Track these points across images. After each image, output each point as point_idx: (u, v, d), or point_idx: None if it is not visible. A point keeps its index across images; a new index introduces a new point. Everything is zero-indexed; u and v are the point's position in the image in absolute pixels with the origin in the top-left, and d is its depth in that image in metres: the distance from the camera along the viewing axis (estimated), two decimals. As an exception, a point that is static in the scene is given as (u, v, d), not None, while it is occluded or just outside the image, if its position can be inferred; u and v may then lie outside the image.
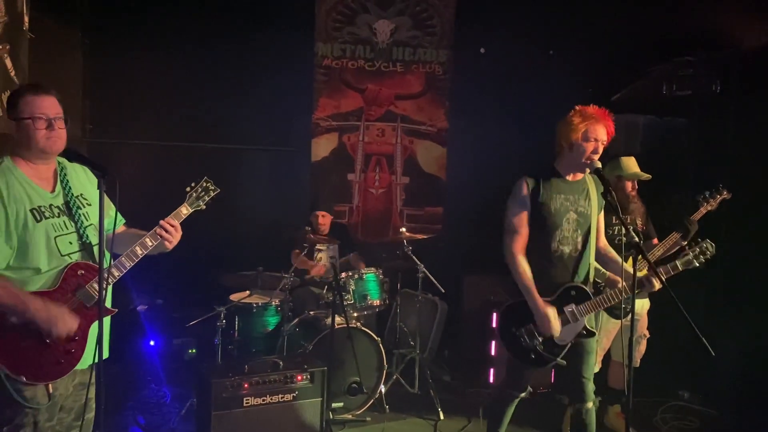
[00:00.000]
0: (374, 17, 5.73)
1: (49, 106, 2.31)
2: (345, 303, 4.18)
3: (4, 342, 2.20)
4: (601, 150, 3.01)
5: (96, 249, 2.42)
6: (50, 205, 2.36)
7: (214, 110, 5.57)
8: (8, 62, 4.43)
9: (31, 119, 2.28)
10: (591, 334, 3.10)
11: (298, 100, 5.77)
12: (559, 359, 3.06)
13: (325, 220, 4.96)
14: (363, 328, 4.21)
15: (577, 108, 3.09)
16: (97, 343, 2.15)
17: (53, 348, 2.26)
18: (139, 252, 2.44)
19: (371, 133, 5.89)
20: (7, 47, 4.38)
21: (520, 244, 3.06)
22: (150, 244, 2.46)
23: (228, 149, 5.68)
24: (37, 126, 2.28)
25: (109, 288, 2.44)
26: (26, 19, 4.65)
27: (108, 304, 2.45)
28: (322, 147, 5.88)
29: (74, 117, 5.34)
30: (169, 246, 2.50)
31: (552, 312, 3.01)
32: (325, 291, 4.42)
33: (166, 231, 2.47)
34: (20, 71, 4.56)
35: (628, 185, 4.08)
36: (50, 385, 2.29)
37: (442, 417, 4.28)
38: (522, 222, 3.06)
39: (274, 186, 5.83)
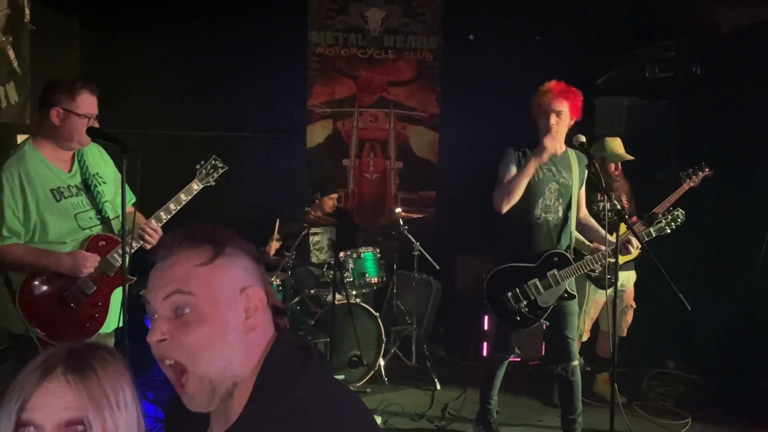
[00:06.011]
0: (366, 6, 5.86)
1: (96, 106, 2.50)
2: (344, 280, 4.35)
3: (35, 308, 2.38)
4: (558, 121, 3.19)
5: (114, 223, 2.59)
6: (68, 186, 2.52)
7: (209, 99, 5.68)
8: (11, 53, 4.54)
9: (87, 118, 2.43)
10: (571, 296, 3.31)
11: (292, 87, 5.89)
12: (542, 320, 3.27)
13: (334, 202, 5.16)
14: (362, 304, 4.38)
15: (543, 84, 3.32)
16: (121, 308, 2.33)
17: (79, 313, 2.44)
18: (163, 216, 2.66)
19: (365, 119, 6.04)
20: (10, 39, 4.50)
21: None
22: (164, 217, 2.64)
23: (224, 137, 5.79)
24: (89, 123, 2.44)
25: (127, 258, 2.60)
26: (27, 11, 4.76)
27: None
28: (317, 134, 6.02)
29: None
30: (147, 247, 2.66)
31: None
32: (324, 270, 4.58)
33: (148, 234, 2.62)
34: (22, 62, 4.67)
35: (612, 166, 4.27)
36: None
37: (438, 387, 4.47)
38: (510, 176, 3.27)
39: (271, 173, 5.95)
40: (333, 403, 1.10)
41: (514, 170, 3.27)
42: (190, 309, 1.08)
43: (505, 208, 3.24)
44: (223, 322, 1.09)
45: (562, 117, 3.20)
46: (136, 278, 2.60)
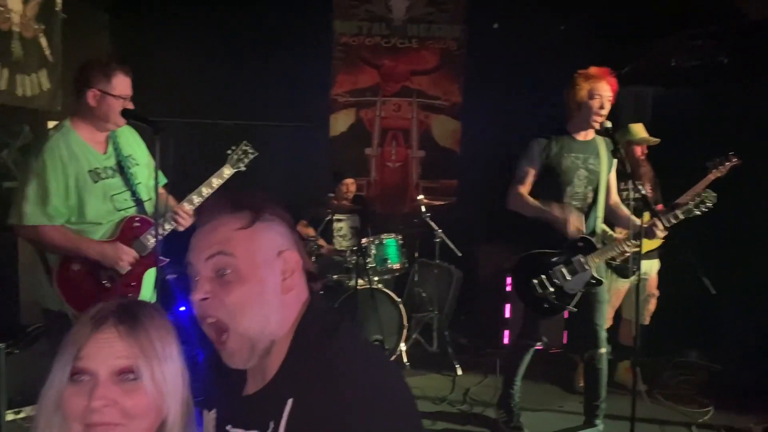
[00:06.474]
0: (390, -5, 5.89)
1: (130, 87, 2.56)
2: (367, 266, 4.40)
3: (72, 287, 2.45)
4: (607, 105, 3.20)
5: (147, 204, 2.66)
6: (104, 167, 2.58)
7: (235, 88, 5.74)
8: (43, 42, 4.65)
9: (122, 99, 2.50)
10: (599, 282, 3.31)
11: (316, 76, 5.93)
12: (570, 307, 3.28)
13: (352, 187, 5.17)
14: (384, 290, 4.43)
15: (579, 72, 3.31)
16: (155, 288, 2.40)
17: (113, 292, 2.51)
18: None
19: (388, 108, 6.08)
20: (43, 27, 4.60)
21: (522, 190, 3.31)
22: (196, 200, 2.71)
23: (248, 126, 5.83)
24: (123, 105, 2.51)
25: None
26: (59, -1, 4.86)
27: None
28: (341, 122, 6.07)
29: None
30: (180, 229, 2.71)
31: (568, 207, 3.20)
32: (347, 256, 4.64)
33: (181, 217, 2.67)
34: (54, 51, 4.78)
35: (638, 150, 4.27)
36: None
37: (460, 373, 4.52)
38: (528, 175, 3.30)
39: (294, 161, 6.00)
40: (366, 362, 1.15)
41: (532, 171, 3.30)
42: (231, 270, 1.14)
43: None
44: (261, 283, 1.15)
45: (606, 100, 3.21)
46: (168, 260, 2.67)
